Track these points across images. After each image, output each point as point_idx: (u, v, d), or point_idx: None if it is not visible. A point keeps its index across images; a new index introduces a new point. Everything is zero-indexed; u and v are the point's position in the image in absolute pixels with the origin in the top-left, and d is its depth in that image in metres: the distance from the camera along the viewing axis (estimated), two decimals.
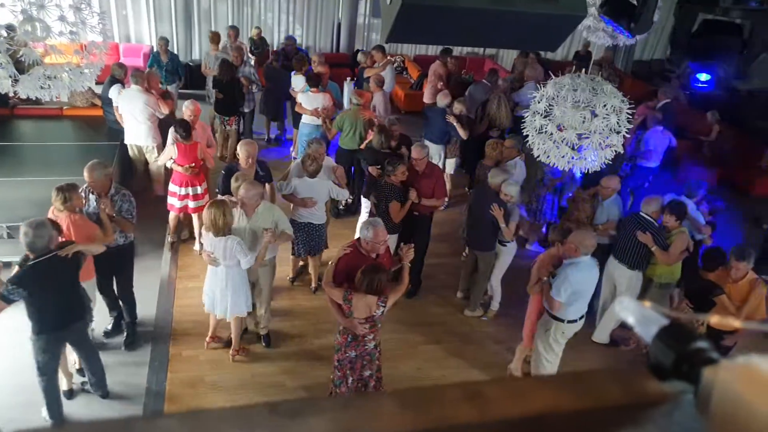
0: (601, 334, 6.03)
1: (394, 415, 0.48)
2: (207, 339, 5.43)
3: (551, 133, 5.23)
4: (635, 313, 0.63)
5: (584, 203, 6.09)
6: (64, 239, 4.54)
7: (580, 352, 5.84)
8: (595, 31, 8.09)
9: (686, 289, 5.09)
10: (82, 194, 4.84)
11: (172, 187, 6.46)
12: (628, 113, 5.27)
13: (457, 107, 7.70)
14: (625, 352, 5.96)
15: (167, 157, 6.36)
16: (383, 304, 4.23)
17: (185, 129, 6.23)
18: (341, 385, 4.54)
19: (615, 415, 0.55)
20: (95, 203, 4.93)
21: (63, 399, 4.68)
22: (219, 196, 5.49)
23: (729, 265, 4.90)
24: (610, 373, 0.58)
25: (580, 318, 4.88)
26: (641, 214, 5.58)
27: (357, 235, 7.09)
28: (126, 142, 7.41)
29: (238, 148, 5.86)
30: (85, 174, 4.89)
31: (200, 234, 6.47)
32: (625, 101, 5.30)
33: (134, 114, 7.17)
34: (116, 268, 5.31)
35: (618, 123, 5.23)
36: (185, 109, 6.67)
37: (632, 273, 5.67)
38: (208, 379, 5.16)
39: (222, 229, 4.70)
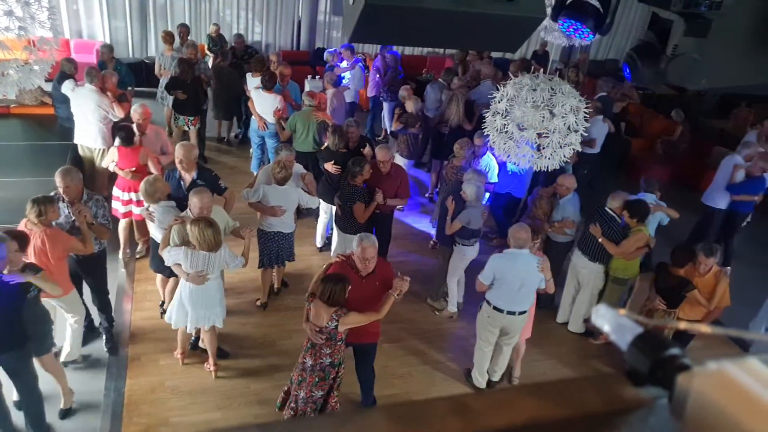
0: (575, 324, 6.27)
1: (384, 431, 0.49)
2: (179, 354, 5.22)
3: (512, 133, 5.32)
4: (611, 321, 0.65)
5: (541, 200, 6.25)
6: (26, 257, 4.35)
7: (556, 345, 6.04)
8: (551, 31, 8.27)
9: (658, 287, 5.26)
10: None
11: (116, 191, 6.23)
12: (585, 112, 5.41)
13: (409, 104, 7.90)
14: (596, 345, 6.09)
15: (110, 159, 6.13)
16: (336, 319, 4.04)
17: (127, 133, 6.02)
18: (300, 384, 4.35)
19: (595, 421, 0.57)
20: (67, 212, 4.72)
21: (15, 409, 4.52)
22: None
23: (697, 260, 5.14)
24: (590, 381, 0.60)
25: (510, 312, 4.92)
26: (606, 209, 5.74)
27: (317, 236, 7.12)
28: (75, 141, 7.16)
29: (176, 150, 5.61)
30: (59, 179, 4.63)
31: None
32: (582, 101, 5.44)
33: (86, 114, 6.91)
34: (90, 276, 5.19)
35: (576, 122, 5.36)
36: (133, 113, 6.40)
37: (593, 266, 5.84)
38: (168, 384, 5.06)
39: (219, 244, 4.52)
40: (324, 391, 4.33)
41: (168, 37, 9.05)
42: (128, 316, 5.78)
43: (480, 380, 5.42)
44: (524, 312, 4.98)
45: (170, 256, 4.60)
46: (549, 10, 5.38)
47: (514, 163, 5.80)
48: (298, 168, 6.02)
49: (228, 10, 12.19)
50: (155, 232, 5.33)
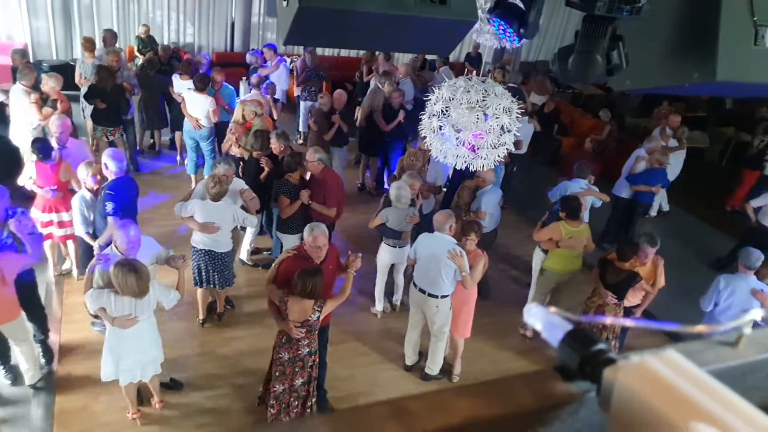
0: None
1: None
2: (133, 414, 4.68)
3: (449, 134, 5.41)
4: (542, 319, 0.68)
5: (463, 191, 6.62)
6: None
7: (500, 338, 6.17)
8: (482, 33, 8.48)
9: (606, 283, 5.41)
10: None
11: (34, 212, 5.61)
12: (517, 112, 5.56)
13: (321, 101, 8.08)
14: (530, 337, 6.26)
15: (26, 176, 5.62)
16: (319, 309, 4.24)
17: (44, 147, 5.56)
18: (279, 378, 4.46)
19: (529, 418, 0.59)
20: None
21: None
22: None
23: (640, 251, 5.39)
24: (523, 379, 0.62)
25: (421, 290, 5.18)
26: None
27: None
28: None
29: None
30: None
31: (77, 263, 5.97)
32: (514, 101, 5.59)
33: (17, 113, 6.67)
34: (21, 289, 4.76)
35: (509, 123, 5.50)
36: (51, 125, 5.92)
37: (541, 253, 6.24)
38: (101, 398, 4.86)
39: (145, 291, 4.03)
40: (304, 379, 4.49)
41: (88, 44, 8.46)
42: (58, 327, 5.52)
43: (407, 358, 5.66)
44: (435, 296, 5.11)
45: (92, 300, 4.09)
46: (480, 13, 5.51)
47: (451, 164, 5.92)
48: (237, 184, 5.67)
49: (158, 11, 11.83)
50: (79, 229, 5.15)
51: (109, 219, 5.05)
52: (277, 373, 4.46)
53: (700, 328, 0.68)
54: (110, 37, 8.82)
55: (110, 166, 5.21)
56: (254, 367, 5.40)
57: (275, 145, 6.31)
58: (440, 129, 5.50)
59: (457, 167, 6.21)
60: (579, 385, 0.63)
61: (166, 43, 11.56)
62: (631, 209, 8.09)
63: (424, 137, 5.52)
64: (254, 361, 5.46)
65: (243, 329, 5.90)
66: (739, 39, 2.78)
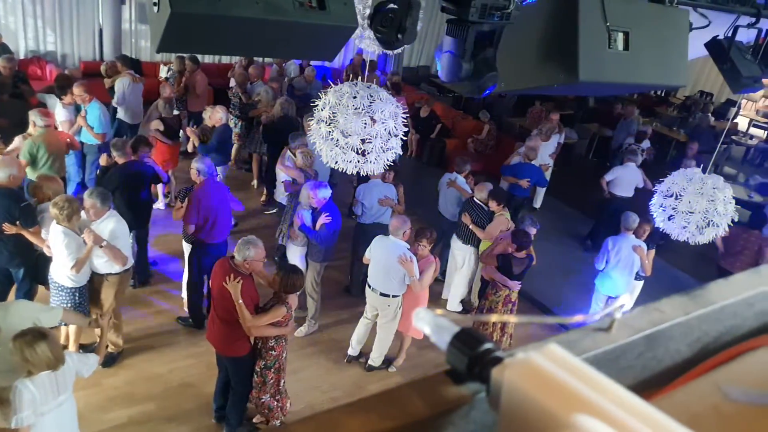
0: (452, 304, 6.96)
1: None
2: None
3: (337, 140, 5.41)
4: (429, 323, 0.68)
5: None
6: None
7: None
8: (363, 39, 8.60)
9: (512, 274, 5.62)
10: None
11: None
12: (402, 117, 5.68)
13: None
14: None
15: None
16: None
17: None
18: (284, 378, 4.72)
19: (423, 426, 0.59)
20: None
21: None
22: None
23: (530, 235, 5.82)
24: (413, 387, 0.62)
25: (373, 289, 5.48)
26: (474, 199, 6.46)
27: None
28: None
29: None
30: None
31: None
32: (400, 106, 5.70)
33: None
34: None
35: (395, 127, 5.61)
36: None
37: (466, 248, 6.66)
38: None
39: (62, 357, 3.38)
40: None
41: None
42: None
43: (351, 349, 5.90)
44: (386, 296, 5.41)
45: (26, 407, 3.23)
46: (360, 20, 5.57)
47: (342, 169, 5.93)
48: (108, 222, 4.85)
49: (11, 17, 10.83)
50: None
51: None
52: (283, 376, 4.69)
53: (576, 318, 0.72)
54: None
55: None
56: (147, 393, 5.11)
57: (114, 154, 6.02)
58: (329, 134, 5.50)
59: (348, 172, 6.26)
60: (469, 387, 0.64)
61: (23, 52, 10.68)
62: (507, 201, 8.61)
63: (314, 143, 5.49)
64: (146, 387, 5.17)
65: (130, 357, 5.55)
66: (595, 43, 3.01)
